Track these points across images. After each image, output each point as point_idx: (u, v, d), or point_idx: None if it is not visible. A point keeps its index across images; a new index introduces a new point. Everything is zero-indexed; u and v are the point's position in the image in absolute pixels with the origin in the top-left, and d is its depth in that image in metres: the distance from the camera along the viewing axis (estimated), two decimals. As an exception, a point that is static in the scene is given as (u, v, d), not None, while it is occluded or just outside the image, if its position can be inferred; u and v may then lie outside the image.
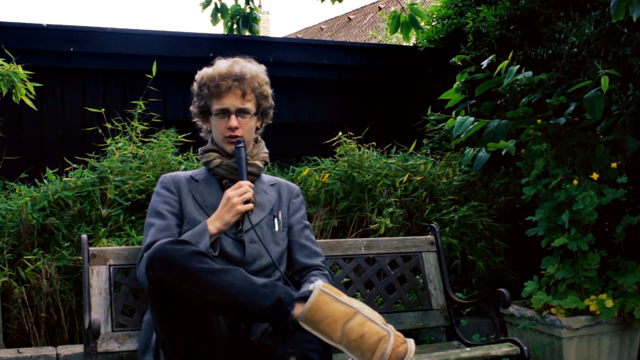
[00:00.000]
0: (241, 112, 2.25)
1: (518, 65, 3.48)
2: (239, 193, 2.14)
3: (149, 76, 3.59)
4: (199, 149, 2.37)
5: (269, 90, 2.35)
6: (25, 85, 3.06)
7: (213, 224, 2.14)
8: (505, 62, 3.45)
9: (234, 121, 2.23)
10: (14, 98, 3.06)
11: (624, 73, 3.45)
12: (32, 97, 3.11)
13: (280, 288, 1.86)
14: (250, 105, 2.27)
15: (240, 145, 2.22)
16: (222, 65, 2.28)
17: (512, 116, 3.54)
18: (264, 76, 2.33)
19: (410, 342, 1.78)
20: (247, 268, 2.10)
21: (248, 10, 6.39)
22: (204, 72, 2.30)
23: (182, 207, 2.25)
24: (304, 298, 1.84)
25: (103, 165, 3.32)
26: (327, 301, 1.82)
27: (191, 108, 2.37)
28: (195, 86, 2.33)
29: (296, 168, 3.95)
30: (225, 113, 2.24)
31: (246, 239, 2.21)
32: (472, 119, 3.49)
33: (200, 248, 1.99)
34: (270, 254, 2.17)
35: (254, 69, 2.30)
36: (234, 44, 4.83)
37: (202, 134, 2.41)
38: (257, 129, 2.35)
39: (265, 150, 2.37)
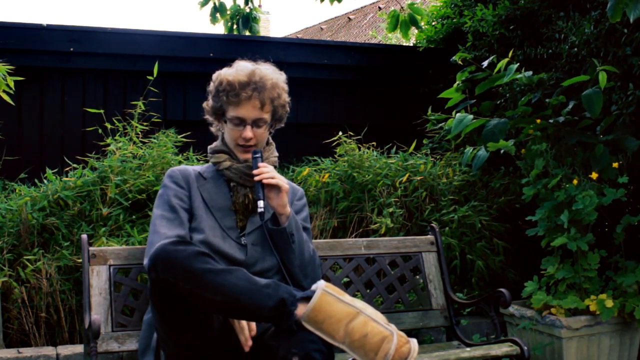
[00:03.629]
0: (257, 123, 2.21)
1: (517, 64, 3.48)
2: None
3: (150, 77, 3.58)
4: (209, 147, 2.33)
5: (287, 99, 2.29)
6: (6, 80, 3.03)
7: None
8: (505, 60, 3.45)
9: (249, 132, 2.19)
10: None
11: (624, 73, 3.45)
12: (10, 92, 3.09)
13: (283, 288, 1.86)
14: (267, 116, 2.22)
15: (257, 155, 2.18)
16: (242, 71, 2.20)
17: (511, 115, 3.54)
18: (283, 84, 2.27)
19: (414, 342, 1.78)
20: (249, 270, 2.09)
21: (247, 11, 6.39)
22: (224, 76, 2.22)
23: (191, 203, 2.22)
24: (307, 298, 1.83)
25: (103, 165, 3.32)
26: (329, 301, 1.82)
27: (204, 105, 2.32)
28: (212, 87, 2.27)
29: (296, 168, 3.95)
30: (241, 122, 2.20)
31: (248, 241, 2.21)
32: (471, 116, 3.49)
33: None
34: (275, 255, 2.17)
35: (274, 77, 2.23)
36: (234, 44, 4.83)
37: (212, 129, 2.37)
38: (269, 132, 2.33)
39: (275, 153, 2.34)
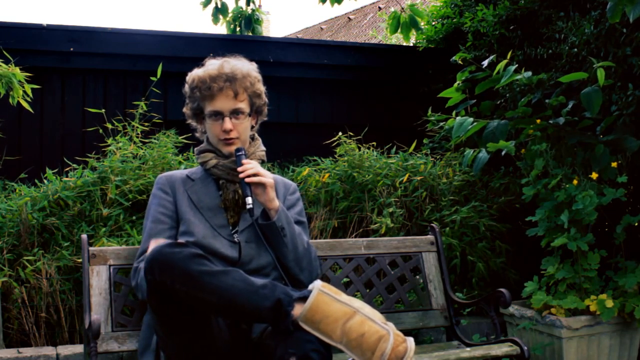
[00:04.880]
0: (235, 113, 2.22)
1: (516, 65, 3.48)
2: None
3: (153, 79, 3.58)
4: (195, 149, 2.35)
5: (261, 88, 2.31)
6: (23, 86, 3.06)
7: None
8: (504, 62, 3.45)
9: (228, 123, 2.20)
10: (10, 100, 3.06)
11: (624, 73, 3.44)
12: (28, 99, 3.11)
13: (279, 289, 1.86)
14: (243, 105, 2.24)
15: (241, 152, 2.19)
16: (212, 66, 2.24)
17: (511, 116, 3.54)
18: (256, 74, 2.29)
19: (410, 341, 1.78)
20: (244, 268, 2.10)
21: (249, 12, 6.39)
22: (195, 74, 2.26)
23: (177, 208, 2.24)
24: (304, 298, 1.83)
25: (104, 165, 3.33)
26: (326, 301, 1.82)
27: (184, 110, 2.35)
28: (186, 88, 2.30)
29: (296, 168, 3.95)
30: (218, 115, 2.22)
31: (242, 239, 2.21)
32: (471, 119, 3.49)
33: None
34: (270, 252, 2.17)
35: (245, 67, 2.26)
36: (234, 44, 4.83)
37: (197, 134, 2.40)
38: (252, 127, 2.34)
39: (262, 148, 2.35)
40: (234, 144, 2.23)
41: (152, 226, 2.21)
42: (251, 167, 2.15)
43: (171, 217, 2.23)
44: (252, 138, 2.34)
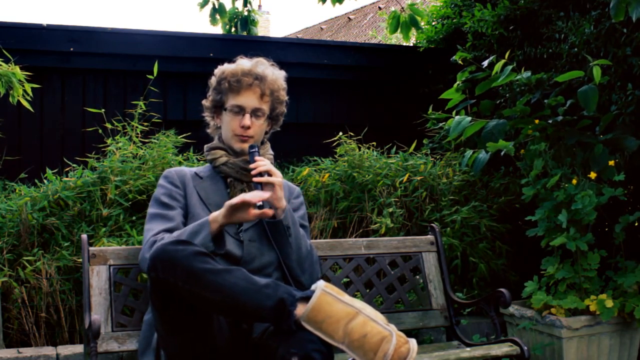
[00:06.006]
0: (256, 112, 2.26)
1: (514, 64, 3.47)
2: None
3: (150, 77, 3.59)
4: (205, 146, 2.36)
5: (285, 97, 2.36)
6: (23, 86, 3.05)
7: (216, 219, 2.08)
8: (502, 62, 3.45)
9: (247, 120, 2.24)
10: (10, 99, 3.06)
11: (623, 73, 3.45)
12: (28, 98, 3.11)
13: (282, 288, 1.86)
14: (265, 107, 2.28)
15: (254, 150, 2.21)
16: (245, 62, 2.30)
17: (509, 115, 3.54)
18: (283, 82, 2.35)
19: (413, 342, 1.77)
20: (246, 267, 2.10)
21: (246, 13, 6.40)
22: (226, 67, 2.31)
23: (187, 202, 2.25)
24: (306, 298, 1.83)
25: (103, 165, 3.33)
26: (329, 301, 1.82)
27: (204, 102, 2.37)
28: (213, 80, 2.33)
29: (296, 168, 3.95)
30: (240, 110, 2.25)
31: (245, 237, 2.22)
32: (469, 118, 3.49)
33: (198, 242, 2.00)
34: (275, 249, 2.17)
35: (275, 72, 2.32)
36: (233, 44, 4.83)
37: (208, 130, 2.41)
38: (265, 132, 2.36)
39: (271, 152, 2.38)
40: (247, 142, 2.26)
41: (166, 212, 2.20)
42: (263, 164, 2.17)
43: (182, 208, 2.23)
44: (262, 142, 2.37)
